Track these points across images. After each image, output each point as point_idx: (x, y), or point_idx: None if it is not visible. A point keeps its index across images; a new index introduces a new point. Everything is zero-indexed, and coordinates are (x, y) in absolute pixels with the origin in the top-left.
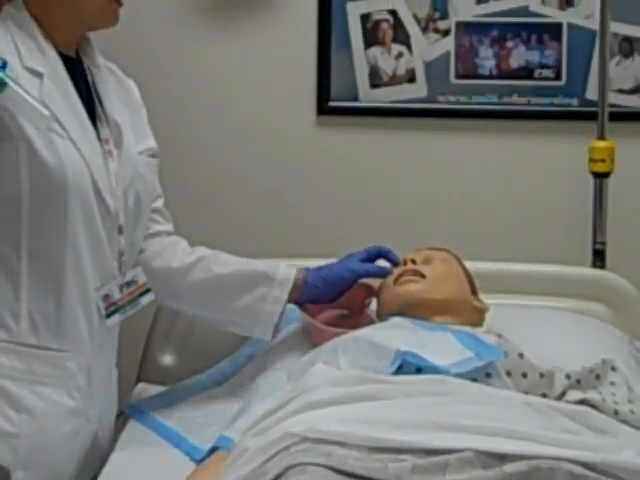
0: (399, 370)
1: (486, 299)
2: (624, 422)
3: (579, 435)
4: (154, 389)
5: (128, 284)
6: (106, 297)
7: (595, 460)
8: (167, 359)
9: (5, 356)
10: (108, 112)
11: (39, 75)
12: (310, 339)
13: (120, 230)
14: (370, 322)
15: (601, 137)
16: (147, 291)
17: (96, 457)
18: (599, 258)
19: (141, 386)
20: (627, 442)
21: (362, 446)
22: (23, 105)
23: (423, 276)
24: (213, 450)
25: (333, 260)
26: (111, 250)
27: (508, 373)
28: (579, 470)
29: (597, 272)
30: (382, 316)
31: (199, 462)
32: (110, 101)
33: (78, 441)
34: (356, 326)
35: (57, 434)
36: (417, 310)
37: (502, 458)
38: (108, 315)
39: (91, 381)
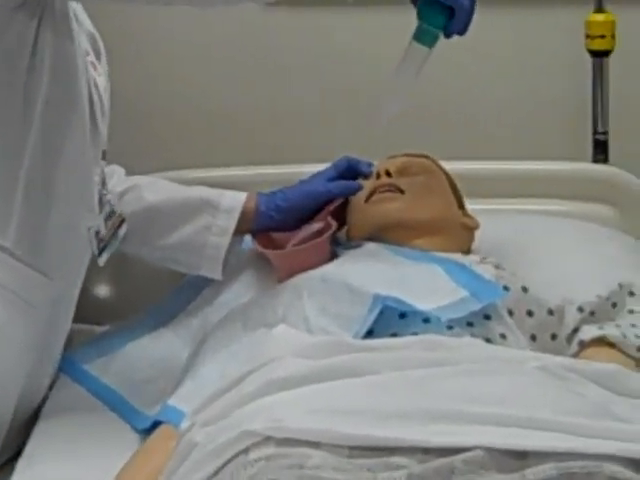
0: (379, 316)
1: (471, 205)
2: None
3: (613, 412)
4: (87, 329)
5: (110, 216)
6: (97, 233)
7: None
8: (101, 291)
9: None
10: (80, 20)
11: None
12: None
13: (104, 155)
14: (328, 228)
15: (599, 9)
16: (123, 221)
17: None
18: (601, 151)
19: (73, 327)
20: None
21: (342, 446)
22: None
23: (401, 191)
24: (157, 422)
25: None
26: (94, 177)
27: (510, 312)
28: (626, 475)
29: (599, 167)
30: (353, 240)
31: (142, 432)
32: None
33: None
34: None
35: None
36: (395, 233)
37: (523, 457)
38: (100, 253)
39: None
